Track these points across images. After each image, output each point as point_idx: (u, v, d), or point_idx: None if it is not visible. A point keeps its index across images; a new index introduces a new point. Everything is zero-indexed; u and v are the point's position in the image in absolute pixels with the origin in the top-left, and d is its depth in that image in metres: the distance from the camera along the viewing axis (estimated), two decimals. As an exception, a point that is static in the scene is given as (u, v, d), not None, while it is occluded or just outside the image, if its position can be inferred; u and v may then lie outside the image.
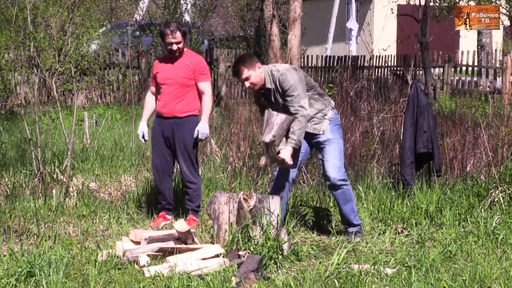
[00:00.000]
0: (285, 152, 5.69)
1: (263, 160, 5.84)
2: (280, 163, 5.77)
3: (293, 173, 6.02)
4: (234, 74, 5.96)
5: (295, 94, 5.70)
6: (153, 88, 6.60)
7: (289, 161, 5.70)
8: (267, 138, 5.67)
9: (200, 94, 6.48)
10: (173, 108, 6.41)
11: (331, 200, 6.83)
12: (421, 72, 17.47)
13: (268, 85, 5.81)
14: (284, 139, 5.75)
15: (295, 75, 5.75)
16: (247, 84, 5.78)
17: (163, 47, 6.69)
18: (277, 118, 5.69)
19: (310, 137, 5.93)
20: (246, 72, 5.74)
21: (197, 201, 6.52)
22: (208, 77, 6.51)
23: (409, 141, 7.11)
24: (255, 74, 5.76)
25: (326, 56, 18.69)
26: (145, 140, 6.69)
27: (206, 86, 6.47)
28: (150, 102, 6.64)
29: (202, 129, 6.43)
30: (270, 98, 5.85)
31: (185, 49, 6.44)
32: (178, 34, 6.34)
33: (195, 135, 6.42)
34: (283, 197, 5.91)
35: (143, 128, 6.61)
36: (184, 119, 6.42)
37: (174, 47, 6.36)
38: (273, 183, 6.10)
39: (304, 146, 5.99)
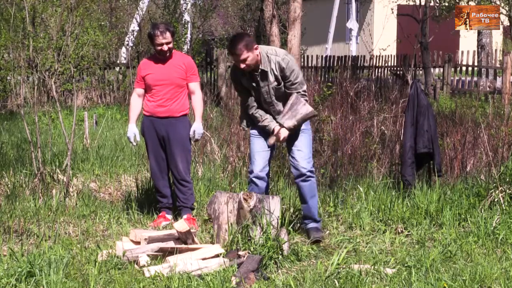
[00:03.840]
0: (284, 132, 5.74)
1: (272, 139, 5.78)
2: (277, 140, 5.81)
3: (266, 170, 5.96)
4: (231, 53, 5.70)
5: (298, 80, 5.73)
6: (140, 90, 6.54)
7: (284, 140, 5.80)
8: (288, 123, 5.70)
9: (190, 93, 6.51)
10: (170, 108, 6.42)
11: (331, 200, 6.84)
12: (421, 72, 17.47)
13: (263, 67, 5.71)
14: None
15: (293, 60, 5.77)
16: (243, 65, 5.64)
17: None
18: (303, 108, 5.69)
19: None
20: (245, 54, 5.59)
21: (192, 200, 6.55)
22: (197, 77, 6.57)
23: (410, 141, 7.11)
24: (253, 56, 5.64)
25: (326, 56, 18.70)
26: (136, 143, 6.67)
27: (196, 86, 6.52)
28: (137, 104, 6.57)
29: (198, 128, 6.47)
30: (256, 79, 5.74)
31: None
32: (168, 34, 6.33)
33: (191, 135, 6.44)
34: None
35: (134, 130, 6.57)
36: (179, 119, 6.45)
37: (165, 47, 6.35)
38: (251, 186, 5.98)
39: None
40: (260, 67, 5.72)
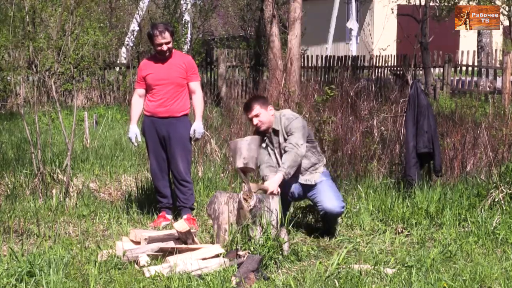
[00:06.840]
0: (272, 180, 5.70)
1: (245, 187, 5.57)
2: (265, 191, 5.65)
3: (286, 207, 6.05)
4: (245, 109, 6.03)
5: (294, 134, 5.82)
6: (141, 90, 6.55)
7: (276, 190, 5.65)
8: (239, 163, 5.71)
9: (190, 93, 6.50)
10: (171, 108, 6.42)
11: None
12: (421, 72, 17.47)
13: (275, 126, 5.91)
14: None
15: (300, 122, 5.89)
16: (255, 120, 5.91)
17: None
18: (242, 142, 5.79)
19: (303, 187, 6.01)
20: (257, 109, 5.91)
21: (192, 200, 6.55)
22: (198, 76, 6.58)
23: (413, 141, 7.11)
24: (266, 113, 5.90)
25: (326, 56, 18.69)
26: (137, 143, 6.66)
27: (197, 86, 6.53)
28: (138, 104, 6.57)
29: (199, 128, 6.47)
30: (272, 141, 5.94)
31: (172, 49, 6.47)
32: (167, 34, 6.34)
33: (191, 134, 6.44)
34: None
35: (135, 130, 6.57)
36: (180, 118, 6.45)
37: (164, 47, 6.36)
38: None
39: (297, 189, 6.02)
40: (273, 126, 5.92)
